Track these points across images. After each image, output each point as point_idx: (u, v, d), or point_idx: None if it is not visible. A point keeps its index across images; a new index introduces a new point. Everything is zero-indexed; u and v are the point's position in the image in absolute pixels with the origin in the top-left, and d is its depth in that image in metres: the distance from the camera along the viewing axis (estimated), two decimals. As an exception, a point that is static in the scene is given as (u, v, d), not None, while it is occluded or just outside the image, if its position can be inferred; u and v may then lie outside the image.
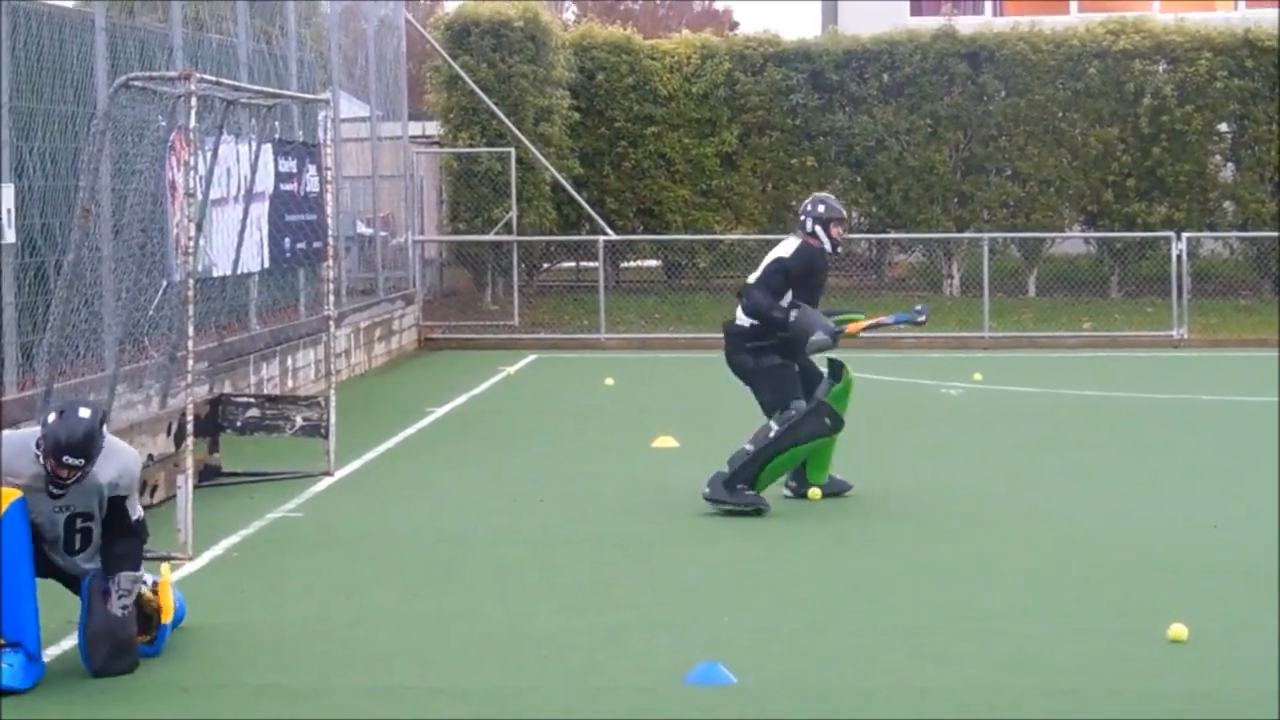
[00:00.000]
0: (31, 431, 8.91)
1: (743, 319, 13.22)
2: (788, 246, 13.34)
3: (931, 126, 31.04)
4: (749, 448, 13.00)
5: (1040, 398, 20.48)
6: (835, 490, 13.67)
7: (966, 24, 32.32)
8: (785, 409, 13.06)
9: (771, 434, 13.01)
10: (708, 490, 13.01)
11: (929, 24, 32.46)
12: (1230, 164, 31.27)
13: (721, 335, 13.52)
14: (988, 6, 38.51)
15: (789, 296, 13.08)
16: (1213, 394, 20.60)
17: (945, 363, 24.47)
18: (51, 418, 8.64)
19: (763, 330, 13.09)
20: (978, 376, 22.04)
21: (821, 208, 13.31)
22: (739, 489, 12.95)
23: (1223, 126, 31.13)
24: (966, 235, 30.37)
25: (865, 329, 13.68)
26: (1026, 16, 32.92)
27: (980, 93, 31.08)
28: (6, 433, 8.96)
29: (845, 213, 13.76)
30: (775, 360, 13.13)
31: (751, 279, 13.33)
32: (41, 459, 8.62)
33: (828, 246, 13.33)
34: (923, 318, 13.65)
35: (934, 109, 30.99)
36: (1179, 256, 27.37)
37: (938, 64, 31.00)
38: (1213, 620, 9.66)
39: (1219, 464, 15.48)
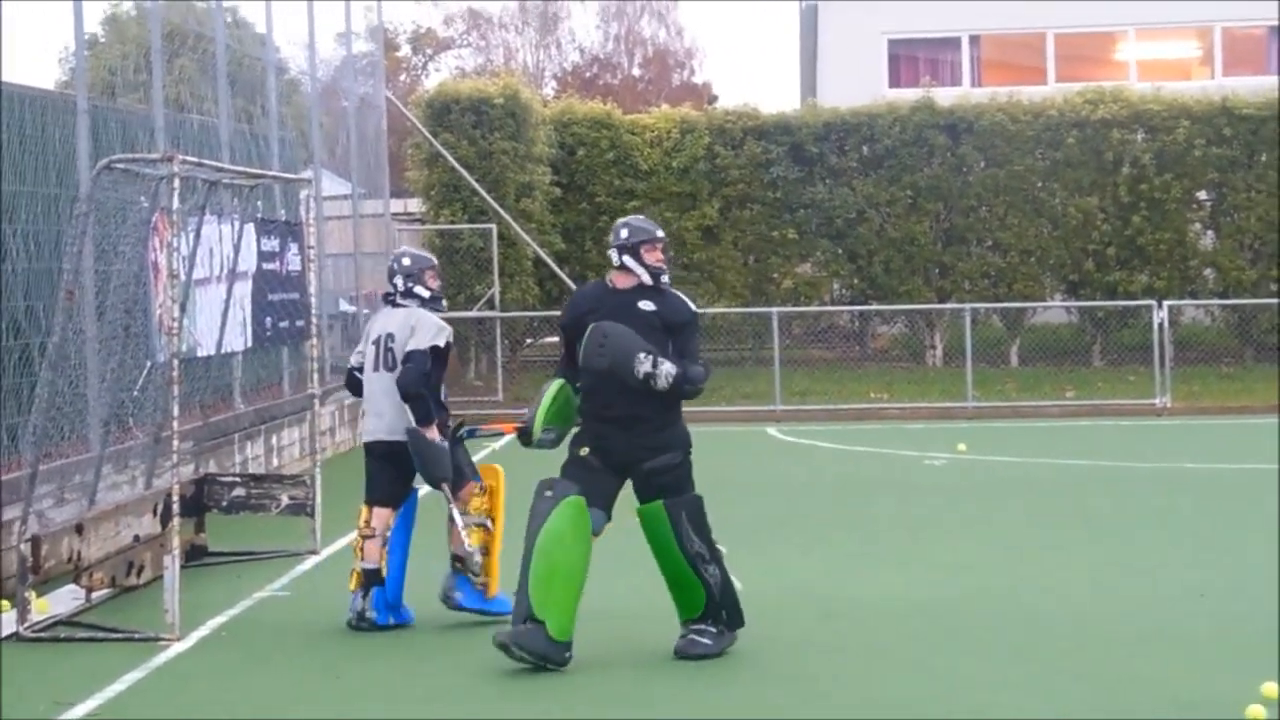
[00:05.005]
0: None
1: None
2: None
3: (912, 198, 31.15)
4: None
5: (1024, 467, 20.49)
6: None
7: (945, 95, 32.48)
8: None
9: None
10: None
11: (907, 95, 32.62)
12: (1210, 231, 31.40)
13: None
14: (966, 77, 38.71)
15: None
16: (1197, 462, 20.62)
17: (929, 433, 24.48)
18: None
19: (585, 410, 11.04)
20: (962, 447, 22.05)
21: (625, 232, 10.69)
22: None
23: (1202, 194, 31.30)
24: (948, 306, 30.47)
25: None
26: (1004, 87, 33.10)
27: (960, 164, 31.21)
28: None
29: (659, 231, 10.80)
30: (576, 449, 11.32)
31: None
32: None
33: (645, 278, 10.60)
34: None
35: (914, 180, 31.11)
36: (1160, 324, 27.43)
37: (917, 135, 31.15)
38: (1201, 691, 9.64)
39: (1205, 532, 15.48)
